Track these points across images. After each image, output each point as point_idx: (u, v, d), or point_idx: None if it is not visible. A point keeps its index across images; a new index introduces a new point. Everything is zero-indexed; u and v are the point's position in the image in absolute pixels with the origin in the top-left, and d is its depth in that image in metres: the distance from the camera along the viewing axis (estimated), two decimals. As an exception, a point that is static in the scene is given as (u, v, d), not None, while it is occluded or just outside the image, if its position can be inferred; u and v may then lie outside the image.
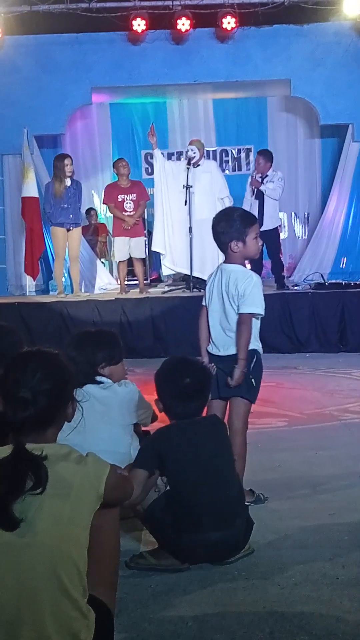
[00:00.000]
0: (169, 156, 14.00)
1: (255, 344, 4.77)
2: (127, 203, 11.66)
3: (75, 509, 2.59)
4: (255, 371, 4.75)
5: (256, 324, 4.78)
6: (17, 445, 2.57)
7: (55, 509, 2.55)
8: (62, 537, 2.55)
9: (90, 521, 2.64)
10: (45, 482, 2.53)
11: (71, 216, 11.49)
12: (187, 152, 11.40)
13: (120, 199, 11.67)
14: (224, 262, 4.87)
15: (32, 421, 2.66)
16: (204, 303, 4.95)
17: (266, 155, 11.64)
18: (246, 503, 4.18)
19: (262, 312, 4.73)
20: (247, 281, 4.71)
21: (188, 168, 11.05)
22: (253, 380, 4.73)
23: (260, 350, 4.83)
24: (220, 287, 4.81)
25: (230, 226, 4.79)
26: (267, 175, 11.51)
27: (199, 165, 11.16)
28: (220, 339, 4.81)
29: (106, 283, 12.96)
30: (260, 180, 11.48)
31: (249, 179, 11.83)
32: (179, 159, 12.93)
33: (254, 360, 4.75)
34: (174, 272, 12.13)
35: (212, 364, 4.75)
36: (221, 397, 4.75)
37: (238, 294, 4.70)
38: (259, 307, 4.72)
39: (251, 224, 4.83)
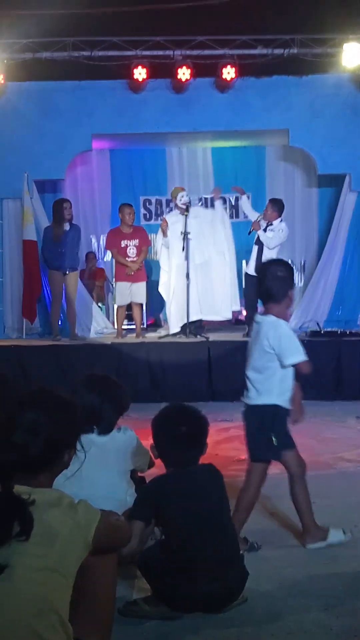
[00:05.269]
0: (167, 202, 14.09)
1: (280, 398, 4.81)
2: (130, 249, 11.75)
3: (62, 556, 2.54)
4: (277, 427, 4.79)
5: (286, 377, 4.84)
6: (4, 490, 2.50)
7: (39, 556, 2.49)
8: (42, 584, 2.48)
9: (76, 569, 2.59)
10: (30, 529, 2.47)
11: (68, 260, 11.54)
12: (180, 199, 11.56)
13: (123, 245, 11.75)
14: (264, 313, 4.89)
15: (21, 466, 2.61)
16: None
17: (275, 204, 11.69)
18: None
19: (304, 357, 4.80)
20: (277, 333, 4.76)
21: (186, 215, 11.23)
22: (274, 437, 4.76)
23: (286, 404, 4.84)
24: (254, 339, 4.87)
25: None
26: (272, 224, 11.57)
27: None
28: (248, 387, 4.88)
29: (102, 327, 12.95)
30: (263, 226, 11.55)
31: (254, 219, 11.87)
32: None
33: (275, 415, 4.78)
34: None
35: None
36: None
37: (270, 346, 4.75)
38: (300, 354, 4.80)
39: None
